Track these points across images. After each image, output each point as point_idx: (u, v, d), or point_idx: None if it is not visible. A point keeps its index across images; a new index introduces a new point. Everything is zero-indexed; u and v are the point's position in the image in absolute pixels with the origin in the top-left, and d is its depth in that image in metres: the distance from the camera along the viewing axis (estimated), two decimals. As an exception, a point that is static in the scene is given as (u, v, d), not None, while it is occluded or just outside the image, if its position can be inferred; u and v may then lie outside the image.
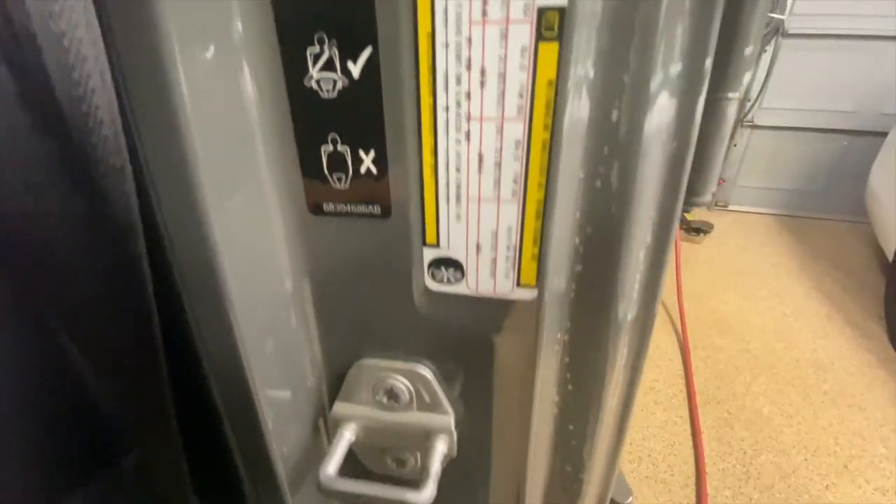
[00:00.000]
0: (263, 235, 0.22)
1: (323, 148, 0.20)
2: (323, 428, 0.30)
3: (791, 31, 2.11)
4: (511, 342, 0.25)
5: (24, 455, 0.20)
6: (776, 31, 2.03)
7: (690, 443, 1.27)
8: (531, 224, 0.20)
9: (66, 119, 0.14)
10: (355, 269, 0.23)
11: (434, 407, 0.27)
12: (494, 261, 0.22)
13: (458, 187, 0.20)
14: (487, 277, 0.22)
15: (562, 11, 0.16)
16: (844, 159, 2.29)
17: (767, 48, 2.11)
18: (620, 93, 0.18)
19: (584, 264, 0.23)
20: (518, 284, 0.22)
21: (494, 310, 0.23)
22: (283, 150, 0.20)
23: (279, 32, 0.18)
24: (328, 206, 0.22)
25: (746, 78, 0.25)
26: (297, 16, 0.18)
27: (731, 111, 0.25)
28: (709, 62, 0.18)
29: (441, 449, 0.26)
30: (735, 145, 2.37)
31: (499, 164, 0.19)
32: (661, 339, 1.62)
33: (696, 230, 2.16)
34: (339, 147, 0.20)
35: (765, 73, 2.17)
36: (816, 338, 1.61)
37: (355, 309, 0.25)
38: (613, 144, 0.19)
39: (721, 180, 2.41)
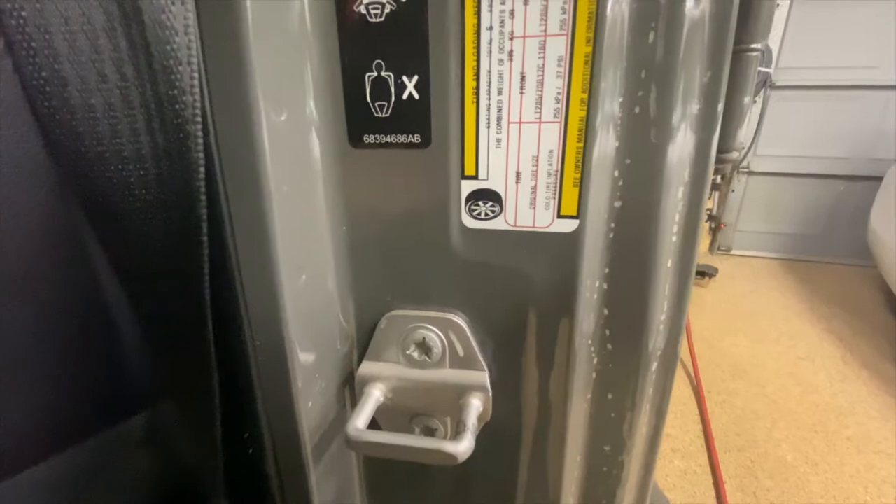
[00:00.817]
0: (305, 170, 0.22)
1: (367, 75, 0.21)
2: (348, 394, 0.28)
3: (778, 84, 2.23)
4: (550, 288, 0.24)
5: (46, 386, 0.19)
6: (764, 83, 2.15)
7: (713, 493, 1.19)
8: (573, 146, 0.21)
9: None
10: (392, 207, 0.23)
11: (468, 362, 0.25)
12: (534, 189, 0.22)
13: (500, 110, 0.21)
14: (527, 209, 0.22)
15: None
16: (842, 203, 2.33)
17: (757, 99, 2.22)
18: (657, 15, 0.19)
19: (623, 200, 0.22)
20: (559, 215, 0.22)
21: (533, 248, 0.23)
22: (329, 79, 0.21)
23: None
24: (369, 138, 0.22)
25: (741, 134, 0.26)
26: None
27: (754, 64, 0.26)
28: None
29: (476, 405, 0.24)
30: (733, 191, 2.43)
31: (541, 83, 0.20)
32: (675, 384, 1.57)
33: (701, 273, 2.15)
34: (383, 73, 0.21)
35: (756, 122, 2.27)
36: (834, 381, 1.55)
37: (390, 252, 0.24)
38: (651, 68, 0.20)
39: (722, 224, 2.44)
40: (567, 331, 0.24)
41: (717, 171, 0.25)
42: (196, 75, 0.17)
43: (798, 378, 1.56)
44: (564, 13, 0.19)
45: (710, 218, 2.45)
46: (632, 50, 0.20)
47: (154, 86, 0.16)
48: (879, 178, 1.91)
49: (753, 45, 0.25)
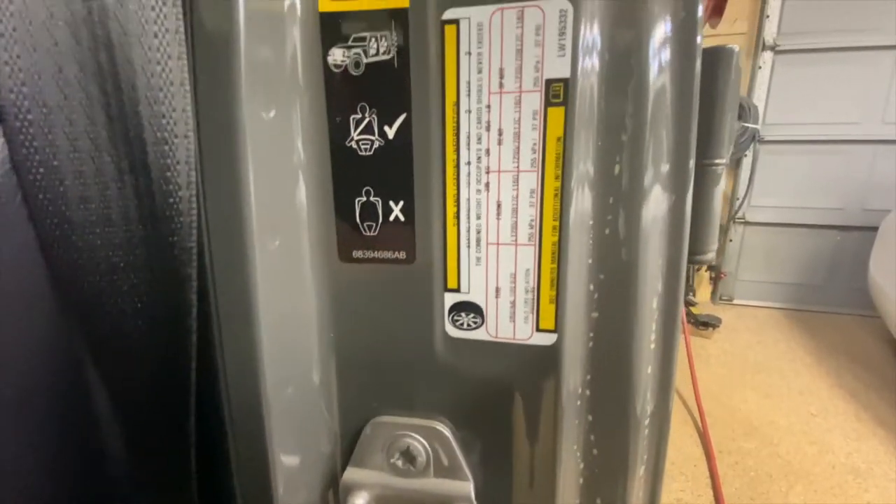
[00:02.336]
0: (296, 281, 0.23)
1: (357, 199, 0.23)
2: (332, 500, 0.27)
3: (767, 139, 2.31)
4: (532, 398, 0.24)
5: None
6: (752, 137, 2.24)
7: (731, 565, 1.12)
8: (547, 266, 0.22)
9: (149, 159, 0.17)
10: (379, 316, 0.24)
11: (453, 472, 0.25)
12: (513, 304, 0.23)
13: (479, 232, 0.22)
14: (507, 322, 0.23)
15: (566, 82, 0.20)
16: (840, 253, 2.35)
17: (747, 153, 2.30)
18: (620, 150, 0.21)
19: (601, 311, 0.23)
20: (537, 329, 0.23)
21: (514, 359, 0.24)
22: (321, 201, 0.23)
23: (328, 101, 0.21)
24: (357, 253, 0.23)
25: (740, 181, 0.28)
26: (345, 89, 0.21)
27: (719, 176, 0.27)
28: (694, 127, 0.21)
29: (460, 518, 0.24)
30: (731, 240, 2.46)
31: (515, 210, 0.21)
32: (684, 442, 1.51)
33: (705, 324, 2.13)
34: (372, 198, 0.23)
35: (748, 175, 2.33)
36: (849, 440, 1.50)
37: (376, 359, 0.25)
38: (618, 196, 0.21)
39: (722, 274, 2.45)
40: (551, 439, 0.24)
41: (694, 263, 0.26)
42: (194, 197, 0.19)
43: (812, 437, 1.51)
44: (535, 153, 0.21)
45: (710, 268, 2.46)
46: (598, 182, 0.21)
47: (156, 228, 0.18)
48: (874, 228, 1.93)
49: (717, 161, 0.27)
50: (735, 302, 2.51)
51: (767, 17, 2.21)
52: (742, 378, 1.83)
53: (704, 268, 2.45)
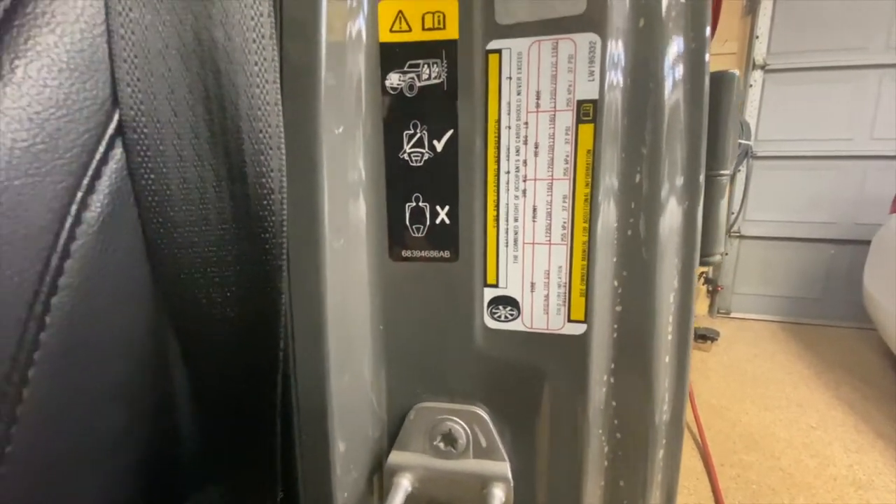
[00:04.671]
0: (355, 277, 0.26)
1: (407, 205, 0.26)
2: (376, 482, 0.30)
3: (759, 155, 2.37)
4: (562, 384, 0.27)
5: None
6: (746, 153, 2.30)
7: (736, 578, 1.12)
8: (578, 264, 0.25)
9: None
10: (424, 310, 0.27)
11: (491, 453, 0.27)
12: (547, 297, 0.25)
13: (516, 233, 0.25)
14: (541, 314, 0.26)
15: (595, 102, 0.23)
16: (835, 267, 2.39)
17: (741, 168, 2.36)
18: (641, 161, 0.24)
19: (623, 305, 0.26)
20: (569, 319, 0.25)
21: (547, 347, 0.26)
22: (377, 206, 0.26)
23: (385, 119, 0.25)
24: (407, 253, 0.26)
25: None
26: (400, 108, 0.24)
27: (724, 186, 0.30)
28: (704, 142, 0.24)
29: (499, 495, 0.26)
30: (727, 254, 2.50)
31: (550, 214, 0.24)
32: (686, 455, 1.52)
33: (703, 337, 2.15)
34: (421, 203, 0.25)
35: (742, 189, 2.38)
36: (849, 452, 1.51)
37: (420, 350, 0.28)
38: (639, 201, 0.25)
39: (719, 287, 2.48)
40: (580, 422, 0.27)
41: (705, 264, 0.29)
42: (285, 223, 0.22)
43: (812, 449, 1.52)
44: (567, 163, 0.24)
45: (707, 281, 2.50)
46: (622, 190, 0.24)
47: (248, 226, 0.21)
48: (867, 242, 1.97)
49: (722, 172, 0.30)
50: (732, 315, 2.54)
51: (757, 37, 2.29)
52: (742, 391, 1.84)
53: (702, 281, 2.48)
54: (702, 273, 2.48)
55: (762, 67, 2.30)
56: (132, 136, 0.19)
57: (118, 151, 0.19)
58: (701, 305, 2.58)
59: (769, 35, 2.28)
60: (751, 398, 1.80)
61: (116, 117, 0.19)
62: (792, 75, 2.28)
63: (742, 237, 2.48)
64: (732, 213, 2.44)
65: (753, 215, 2.44)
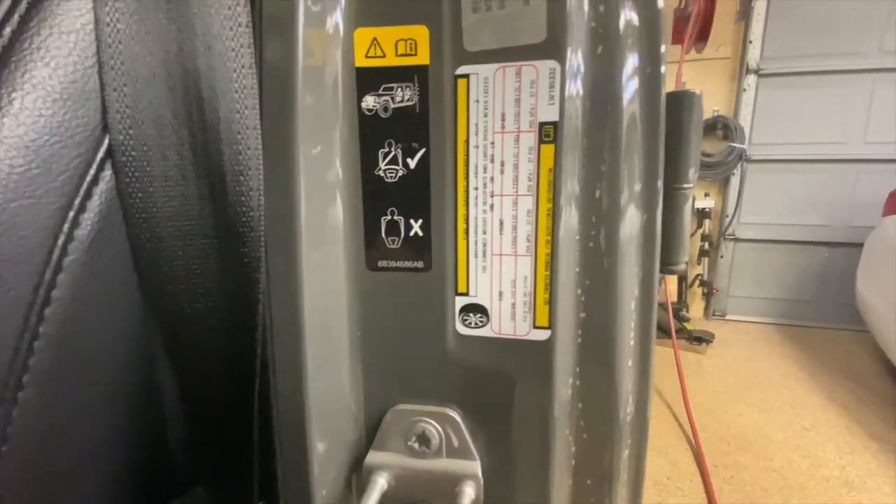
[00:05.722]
0: (332, 287, 0.27)
1: (383, 218, 0.27)
2: (355, 480, 0.31)
3: (753, 158, 2.39)
4: (530, 386, 0.28)
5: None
6: (739, 157, 2.31)
7: (728, 579, 1.13)
8: (542, 273, 0.26)
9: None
10: (399, 317, 0.28)
11: (462, 452, 0.29)
12: (514, 305, 0.27)
13: (485, 245, 0.27)
14: (508, 320, 0.27)
15: (555, 124, 0.24)
16: (829, 269, 2.40)
17: (735, 172, 2.37)
18: (600, 177, 0.26)
19: (587, 311, 0.28)
20: (534, 326, 0.27)
21: (515, 352, 0.28)
22: (354, 220, 0.27)
23: (361, 138, 0.26)
24: (382, 263, 0.28)
25: (702, 197, 0.32)
26: (375, 129, 0.26)
27: (686, 198, 0.32)
28: (661, 158, 0.26)
29: (470, 493, 0.28)
30: (722, 257, 2.52)
31: (515, 227, 0.26)
32: (679, 458, 1.53)
33: (699, 339, 2.17)
34: (395, 217, 0.27)
35: (737, 193, 2.40)
36: (842, 454, 1.52)
37: (395, 355, 0.29)
38: (599, 214, 0.26)
39: (714, 289, 2.50)
40: (547, 423, 0.28)
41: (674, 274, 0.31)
42: (262, 239, 0.23)
43: (805, 451, 1.53)
44: (531, 180, 0.25)
45: (703, 283, 2.51)
46: (583, 204, 0.26)
47: (229, 241, 0.22)
48: (860, 244, 1.99)
49: (684, 185, 0.31)
50: (728, 317, 2.55)
51: (751, 42, 2.32)
52: (737, 393, 1.86)
53: (697, 283, 2.50)
54: (697, 276, 2.49)
55: (756, 72, 2.32)
56: (121, 158, 0.21)
57: (108, 173, 0.21)
58: (696, 308, 2.60)
59: (762, 40, 2.31)
60: (745, 400, 1.82)
61: (106, 142, 0.20)
62: (785, 79, 2.31)
63: (737, 240, 2.50)
64: (727, 216, 2.46)
65: (748, 218, 2.46)
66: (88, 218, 0.20)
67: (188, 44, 0.21)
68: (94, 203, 0.20)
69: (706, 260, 2.48)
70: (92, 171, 0.20)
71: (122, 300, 0.22)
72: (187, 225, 0.22)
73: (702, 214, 2.43)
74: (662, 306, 1.95)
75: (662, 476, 1.48)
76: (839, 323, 2.37)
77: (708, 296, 2.55)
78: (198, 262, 0.22)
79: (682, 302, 2.42)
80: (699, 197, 2.41)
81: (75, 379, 0.21)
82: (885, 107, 2.20)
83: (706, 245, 2.45)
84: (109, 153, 0.21)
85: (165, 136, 0.21)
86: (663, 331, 1.88)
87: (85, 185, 0.20)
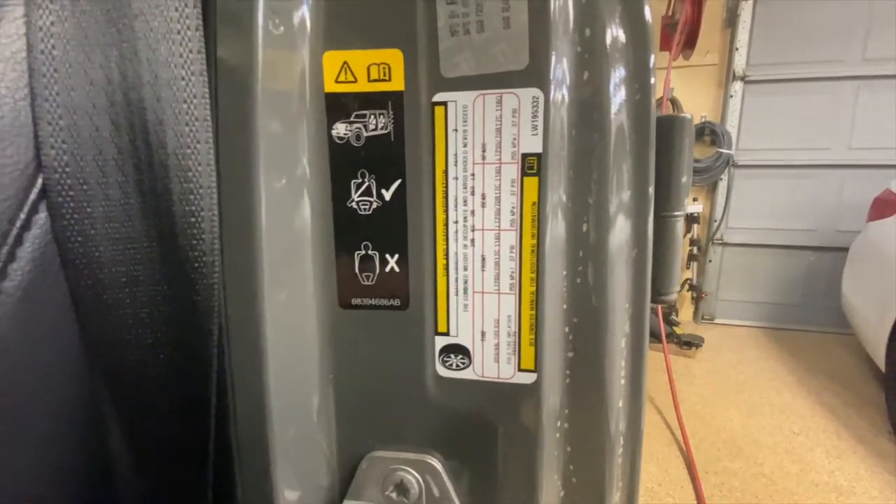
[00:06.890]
0: (300, 328, 0.25)
1: (357, 252, 0.25)
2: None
3: (740, 163, 2.41)
4: (515, 431, 0.27)
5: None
6: (727, 163, 2.33)
7: (719, 588, 1.12)
8: (527, 312, 0.24)
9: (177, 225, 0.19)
10: (375, 359, 0.26)
11: (443, 502, 0.27)
12: (497, 346, 0.25)
13: (466, 282, 0.25)
14: (492, 362, 0.25)
15: (539, 156, 0.23)
16: (815, 273, 2.43)
17: (723, 177, 2.39)
18: (587, 211, 0.24)
19: (576, 351, 0.26)
20: (519, 368, 0.25)
21: (499, 396, 0.26)
22: (325, 255, 0.25)
23: (332, 168, 0.24)
24: (356, 300, 0.26)
25: (690, 201, 0.31)
26: (347, 158, 0.24)
27: (678, 226, 0.31)
28: (651, 189, 0.25)
29: (451, 548, 0.26)
30: (710, 261, 2.53)
31: (498, 263, 0.24)
32: (671, 464, 1.53)
33: (688, 343, 2.17)
34: (370, 251, 0.25)
35: (724, 198, 2.42)
36: (831, 458, 1.53)
37: (371, 398, 0.27)
38: (586, 249, 0.24)
39: (703, 293, 2.51)
40: (534, 470, 0.26)
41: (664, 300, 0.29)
42: (217, 262, 0.21)
43: (795, 455, 1.54)
44: (513, 214, 0.24)
45: (692, 287, 2.53)
46: (569, 239, 0.24)
47: (180, 288, 0.20)
48: (846, 249, 2.01)
49: (675, 213, 0.30)
50: (717, 321, 2.57)
51: (737, 49, 2.34)
52: (726, 397, 1.86)
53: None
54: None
55: (742, 78, 2.34)
56: (57, 199, 0.19)
57: (42, 216, 0.18)
58: (685, 312, 2.61)
59: (748, 47, 2.33)
60: (735, 404, 1.82)
61: (40, 181, 0.18)
62: (771, 86, 2.33)
63: (725, 244, 2.51)
64: (715, 221, 2.47)
65: (736, 223, 2.48)
66: (19, 267, 0.18)
67: (132, 72, 0.19)
68: (26, 250, 0.18)
69: (695, 264, 2.49)
70: (23, 215, 0.18)
71: (60, 355, 0.20)
72: (134, 270, 0.20)
73: (690, 219, 2.44)
74: (653, 311, 1.95)
75: (654, 483, 1.47)
76: (825, 326, 2.40)
77: (697, 300, 2.56)
78: (146, 310, 0.20)
79: (671, 306, 2.43)
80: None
81: (9, 443, 0.19)
82: (869, 113, 2.23)
83: (695, 249, 2.46)
84: (44, 193, 0.18)
85: (108, 174, 0.19)
86: (653, 335, 1.88)
87: (15, 231, 0.18)
